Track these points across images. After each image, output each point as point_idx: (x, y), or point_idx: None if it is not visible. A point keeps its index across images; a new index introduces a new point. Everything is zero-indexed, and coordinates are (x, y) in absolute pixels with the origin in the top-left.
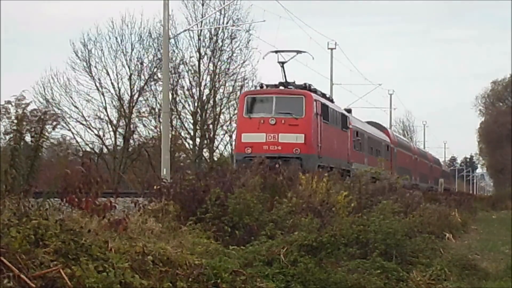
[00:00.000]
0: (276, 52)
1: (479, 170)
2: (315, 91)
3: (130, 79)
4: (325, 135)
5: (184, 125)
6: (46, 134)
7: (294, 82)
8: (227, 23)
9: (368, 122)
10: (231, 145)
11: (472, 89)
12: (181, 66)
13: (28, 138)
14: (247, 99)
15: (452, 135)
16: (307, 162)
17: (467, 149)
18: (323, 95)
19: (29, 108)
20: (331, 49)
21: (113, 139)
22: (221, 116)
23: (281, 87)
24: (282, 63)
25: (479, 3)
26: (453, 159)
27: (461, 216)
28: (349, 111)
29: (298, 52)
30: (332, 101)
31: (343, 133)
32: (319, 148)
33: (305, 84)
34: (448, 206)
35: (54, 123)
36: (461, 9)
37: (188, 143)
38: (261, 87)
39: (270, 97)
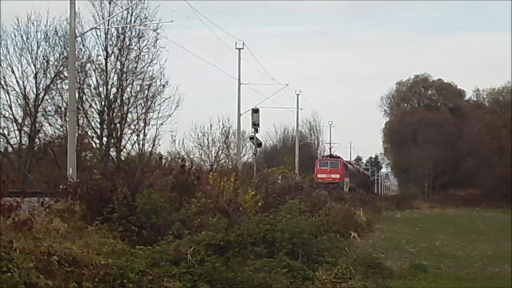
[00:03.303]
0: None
1: (383, 170)
2: (342, 158)
3: (35, 77)
4: (344, 173)
5: (90, 124)
6: None
7: (335, 154)
8: (134, 21)
9: (347, 162)
10: (138, 144)
11: (377, 90)
12: (88, 65)
13: None
14: (320, 161)
15: (357, 135)
16: (340, 184)
17: (372, 149)
18: (341, 158)
19: None
20: (239, 49)
21: (18, 138)
22: (129, 115)
23: (330, 157)
24: (330, 150)
25: (386, 3)
26: (359, 159)
27: (366, 215)
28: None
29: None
30: (341, 157)
31: (347, 171)
32: (342, 178)
33: (336, 155)
34: (353, 205)
35: None
36: (368, 10)
37: (95, 142)
38: (324, 157)
39: (327, 161)
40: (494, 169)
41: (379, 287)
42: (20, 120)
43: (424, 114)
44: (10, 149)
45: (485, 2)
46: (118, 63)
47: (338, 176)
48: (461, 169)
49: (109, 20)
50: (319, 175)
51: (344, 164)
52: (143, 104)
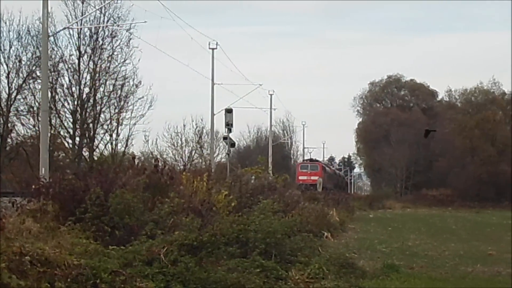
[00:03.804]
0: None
1: (356, 170)
2: (320, 161)
3: (8, 76)
4: (322, 175)
5: (63, 124)
6: None
7: (315, 158)
8: (107, 21)
9: (325, 164)
10: (111, 144)
11: (351, 90)
12: (61, 64)
13: None
14: (301, 165)
15: (331, 135)
16: (319, 185)
17: (345, 149)
18: (320, 161)
19: None
20: (212, 49)
21: None
22: (102, 115)
23: (310, 160)
24: (303, 151)
25: (361, 4)
26: (332, 159)
27: (339, 215)
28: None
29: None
30: (320, 161)
31: (325, 173)
32: (321, 180)
33: (316, 159)
34: (326, 205)
35: None
36: (343, 10)
37: (68, 142)
38: (305, 161)
39: (307, 164)
40: (466, 169)
41: (352, 287)
42: None
43: (396, 114)
44: None
45: (460, 3)
46: (91, 62)
47: (317, 178)
48: (434, 169)
49: (82, 19)
50: (300, 177)
51: (323, 167)
52: (116, 104)
